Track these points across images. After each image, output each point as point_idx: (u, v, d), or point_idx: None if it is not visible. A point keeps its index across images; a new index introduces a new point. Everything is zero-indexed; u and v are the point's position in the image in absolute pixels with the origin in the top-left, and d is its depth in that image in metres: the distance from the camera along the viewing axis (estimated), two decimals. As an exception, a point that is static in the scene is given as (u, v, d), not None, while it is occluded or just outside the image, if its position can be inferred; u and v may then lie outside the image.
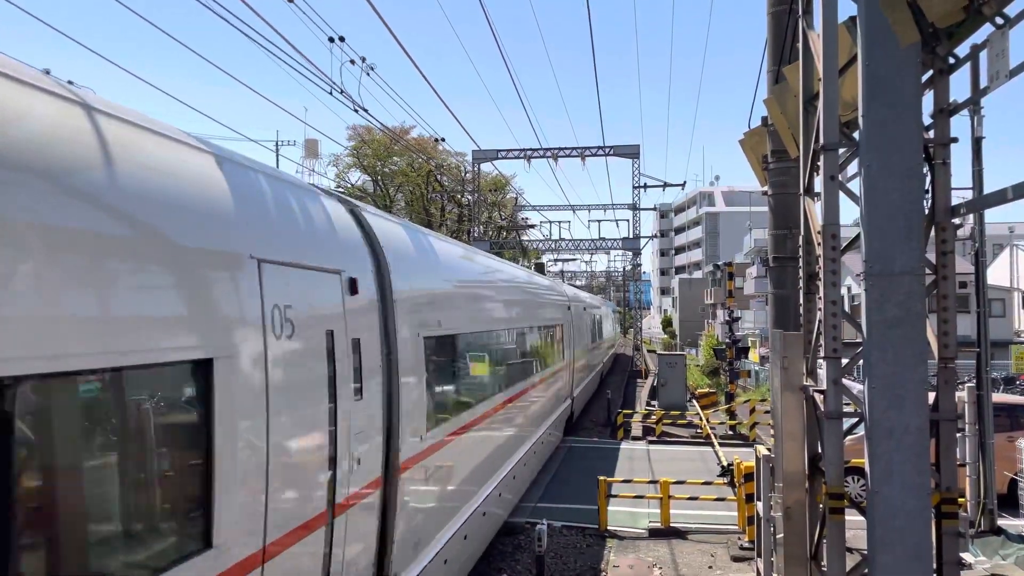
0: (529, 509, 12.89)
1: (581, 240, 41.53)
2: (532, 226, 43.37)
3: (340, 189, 44.18)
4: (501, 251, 39.95)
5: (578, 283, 71.07)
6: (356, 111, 12.42)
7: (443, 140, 25.69)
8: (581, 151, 36.44)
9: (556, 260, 61.08)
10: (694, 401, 27.45)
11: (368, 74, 12.10)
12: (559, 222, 60.63)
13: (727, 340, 28.76)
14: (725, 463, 15.80)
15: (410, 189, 51.44)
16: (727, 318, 28.70)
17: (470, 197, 43.56)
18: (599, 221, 42.98)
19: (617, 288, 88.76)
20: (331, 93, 11.34)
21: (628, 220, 41.11)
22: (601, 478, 12.25)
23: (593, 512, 12.16)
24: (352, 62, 11.87)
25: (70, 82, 3.82)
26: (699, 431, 21.90)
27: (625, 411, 23.38)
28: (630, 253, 48.70)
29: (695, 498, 12.40)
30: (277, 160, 36.98)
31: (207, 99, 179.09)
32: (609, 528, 11.92)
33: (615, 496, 12.86)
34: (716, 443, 19.41)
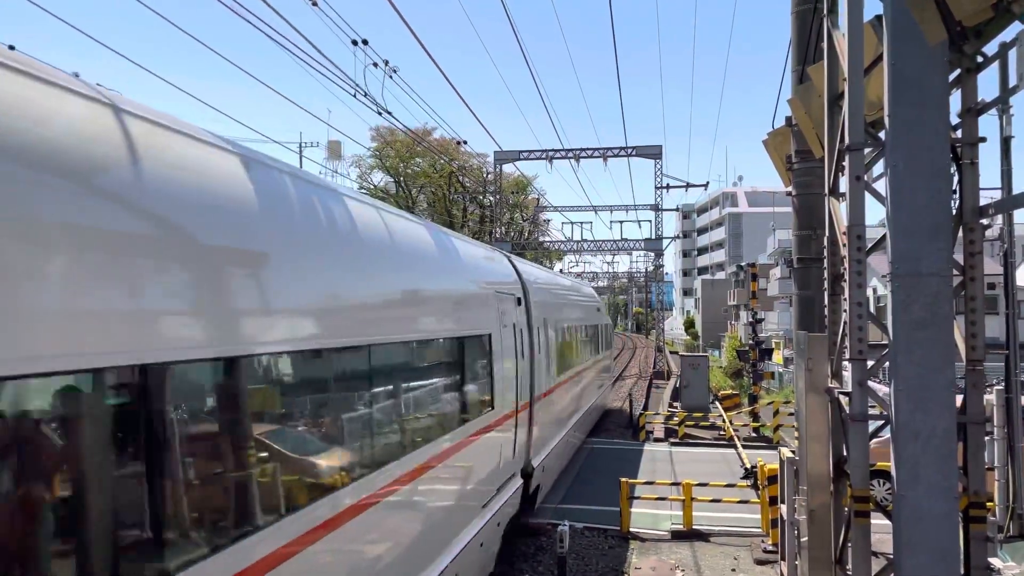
0: (551, 510, 12.89)
1: (603, 241, 41.40)
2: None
3: (363, 190, 44.47)
4: (523, 252, 39.96)
5: (600, 284, 70.84)
6: (379, 113, 12.51)
7: (465, 143, 25.69)
8: (603, 152, 36.32)
9: (578, 261, 61.04)
10: (717, 403, 27.30)
11: (391, 77, 12.18)
12: (581, 223, 60.38)
13: (750, 341, 28.59)
14: (748, 465, 15.70)
15: (432, 190, 51.63)
16: (750, 319, 28.53)
17: (492, 198, 43.61)
18: (621, 222, 42.72)
19: (639, 289, 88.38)
20: (355, 96, 11.44)
21: (650, 221, 40.98)
22: (623, 480, 12.22)
23: (615, 514, 12.14)
24: (375, 65, 11.95)
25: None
26: (722, 433, 21.76)
27: (647, 412, 23.29)
28: (652, 254, 48.46)
29: (718, 500, 12.33)
30: (300, 161, 37.31)
31: (232, 101, 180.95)
32: (631, 530, 11.89)
33: (637, 498, 12.82)
34: (739, 445, 19.28)
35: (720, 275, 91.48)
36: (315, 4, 9.51)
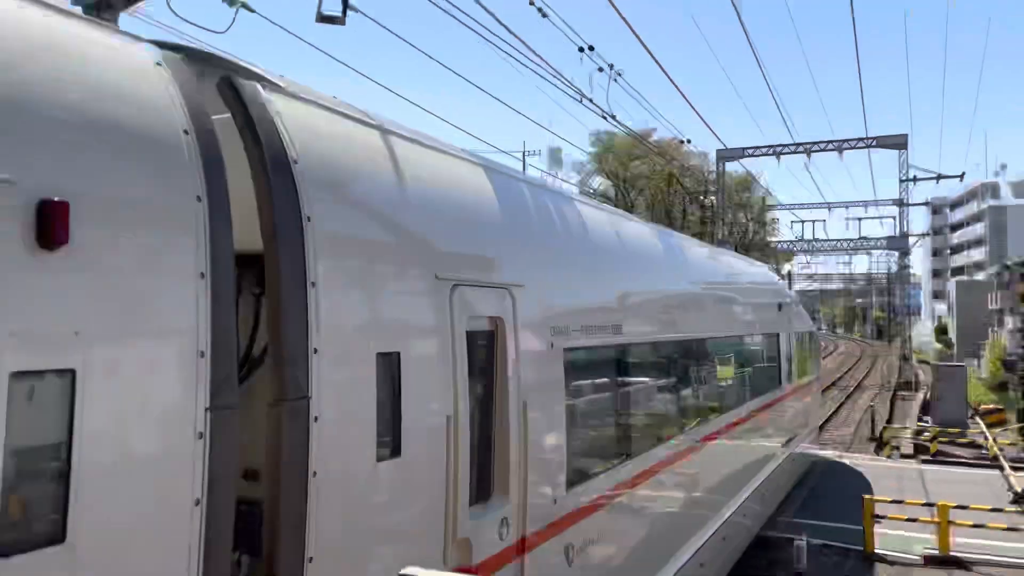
0: (783, 524, 12.28)
1: (839, 240, 38.69)
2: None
3: (583, 194, 45.31)
4: (748, 252, 38.39)
5: (834, 287, 66.18)
6: (604, 118, 12.67)
7: (688, 141, 25.27)
8: (838, 144, 34.03)
9: (810, 262, 57.52)
10: (977, 418, 24.44)
11: (616, 80, 12.31)
12: (812, 221, 56.88)
13: (1019, 350, 25.34)
14: (1018, 489, 13.99)
15: (651, 192, 51.31)
16: (1018, 325, 25.26)
17: (713, 198, 42.41)
18: (859, 219, 39.65)
19: (880, 292, 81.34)
20: (580, 101, 11.69)
21: (894, 217, 37.60)
22: (866, 497, 11.37)
23: (853, 532, 11.32)
24: (600, 70, 12.14)
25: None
26: (984, 452, 19.45)
27: (891, 426, 21.42)
28: (896, 253, 44.42)
29: (981, 526, 11.05)
30: (524, 168, 38.84)
31: (465, 113, 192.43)
32: (876, 551, 11.00)
33: (883, 517, 11.83)
34: (1007, 466, 17.11)
35: (979, 276, 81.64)
36: (544, 16, 9.87)
